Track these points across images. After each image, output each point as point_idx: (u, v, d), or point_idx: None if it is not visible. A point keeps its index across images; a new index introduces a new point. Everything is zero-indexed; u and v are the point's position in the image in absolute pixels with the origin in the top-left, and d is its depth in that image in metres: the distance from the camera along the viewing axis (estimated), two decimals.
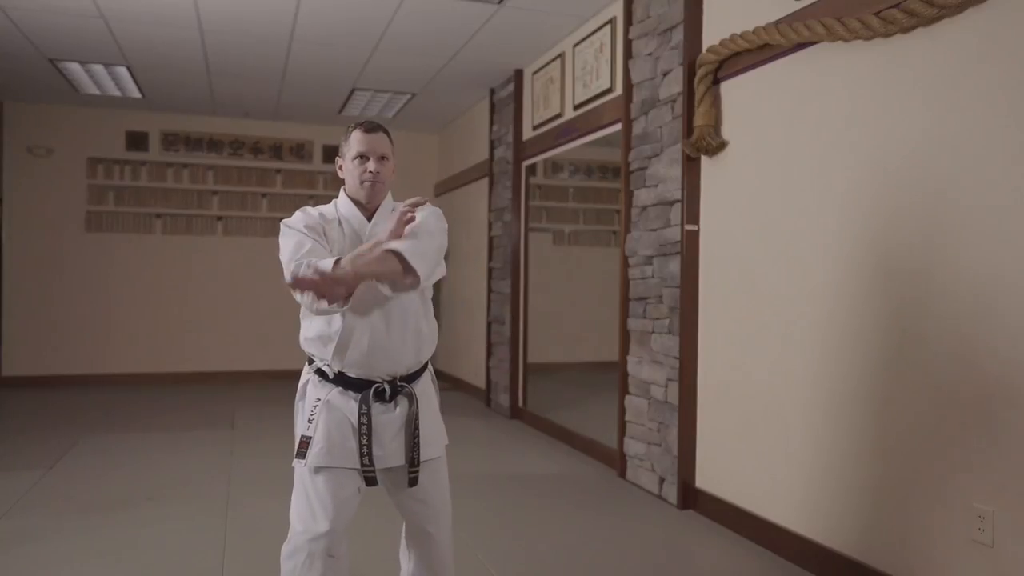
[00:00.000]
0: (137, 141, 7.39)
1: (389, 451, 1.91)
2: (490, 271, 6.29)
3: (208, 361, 7.55)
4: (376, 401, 1.90)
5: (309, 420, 1.90)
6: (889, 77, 2.53)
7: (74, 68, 5.81)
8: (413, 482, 1.93)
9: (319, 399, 1.91)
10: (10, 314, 7.03)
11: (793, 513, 2.94)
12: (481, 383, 6.50)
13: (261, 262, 7.59)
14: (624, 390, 4.08)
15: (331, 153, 7.90)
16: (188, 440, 4.94)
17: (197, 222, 7.56)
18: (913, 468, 2.42)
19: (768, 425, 3.07)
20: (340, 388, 1.91)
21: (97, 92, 6.57)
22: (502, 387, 5.97)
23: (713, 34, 3.40)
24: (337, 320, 1.86)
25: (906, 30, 2.43)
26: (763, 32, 3.00)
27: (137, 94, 6.63)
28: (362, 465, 1.87)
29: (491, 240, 6.27)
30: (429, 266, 1.81)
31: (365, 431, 1.86)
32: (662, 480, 3.71)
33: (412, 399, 1.93)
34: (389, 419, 1.91)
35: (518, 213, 5.78)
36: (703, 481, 3.49)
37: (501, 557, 2.95)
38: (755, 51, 3.11)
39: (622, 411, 4.08)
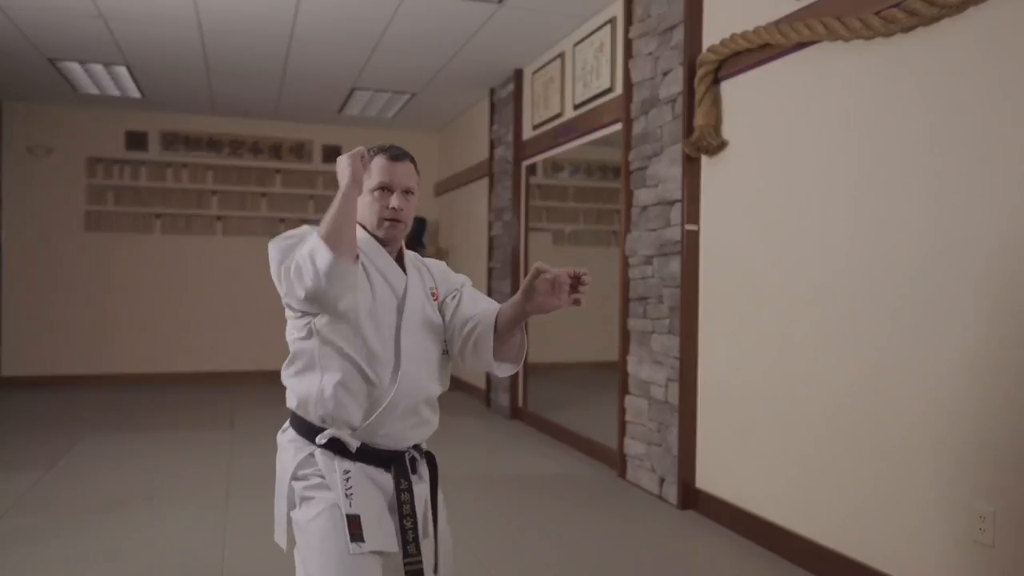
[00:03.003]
0: (137, 141, 7.38)
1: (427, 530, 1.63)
2: (490, 271, 6.29)
3: (208, 361, 7.55)
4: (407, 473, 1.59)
5: (347, 495, 1.53)
6: (889, 77, 2.52)
7: (74, 68, 5.81)
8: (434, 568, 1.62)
9: (348, 471, 1.55)
10: (10, 314, 7.02)
11: (793, 513, 2.94)
12: (481, 383, 6.50)
13: (261, 262, 7.44)
14: (624, 390, 4.07)
15: (331, 153, 7.89)
16: (188, 440, 4.94)
17: (197, 222, 7.55)
18: (913, 468, 2.42)
19: (768, 425, 3.07)
20: (361, 463, 1.57)
21: (96, 92, 6.57)
22: (502, 387, 5.96)
23: (713, 34, 3.40)
24: (380, 383, 1.56)
25: (907, 29, 2.43)
26: (763, 32, 2.99)
27: (137, 94, 6.62)
28: (407, 555, 1.52)
29: (491, 240, 6.26)
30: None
31: (409, 511, 1.54)
32: (662, 480, 3.71)
33: (433, 464, 1.67)
34: (420, 492, 1.62)
35: (518, 213, 5.77)
36: (703, 481, 3.49)
37: (501, 557, 2.95)
38: (755, 51, 3.11)
39: (622, 411, 4.08)
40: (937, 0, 2.27)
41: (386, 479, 1.58)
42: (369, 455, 1.57)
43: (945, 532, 2.30)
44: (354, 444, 1.56)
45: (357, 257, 1.47)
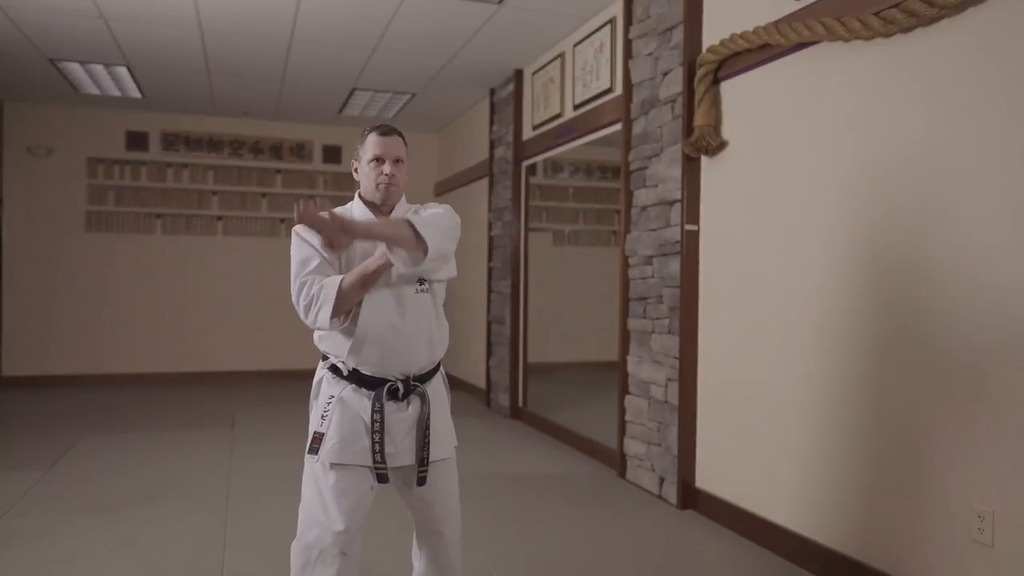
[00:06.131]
0: (137, 141, 7.39)
1: (401, 449, 1.92)
2: (490, 271, 6.29)
3: (208, 361, 7.55)
4: (389, 399, 1.91)
5: (323, 416, 1.92)
6: (889, 77, 2.53)
7: (74, 68, 5.81)
8: (422, 482, 1.94)
9: (333, 396, 1.93)
10: (10, 314, 7.02)
11: (792, 513, 2.94)
12: (481, 383, 6.50)
13: (261, 262, 7.58)
14: (624, 390, 4.08)
15: (331, 153, 7.90)
16: (188, 440, 4.94)
17: (197, 222, 7.56)
18: (913, 467, 2.42)
19: (768, 425, 3.07)
20: (354, 386, 1.92)
21: (97, 92, 6.57)
22: (502, 387, 5.97)
23: (713, 34, 3.40)
24: (354, 317, 1.89)
25: (906, 30, 2.43)
26: (763, 32, 3.00)
27: (137, 94, 6.63)
28: (374, 462, 1.88)
29: (491, 240, 6.27)
30: (438, 239, 1.81)
31: (378, 428, 1.88)
32: (662, 480, 3.71)
33: (424, 399, 1.95)
34: (401, 418, 1.93)
35: (518, 213, 5.77)
36: (703, 481, 3.49)
37: (501, 557, 2.95)
38: (755, 51, 3.11)
39: (622, 411, 4.08)
40: (936, 1, 2.27)
41: (367, 407, 1.90)
42: (359, 379, 1.92)
43: (944, 532, 2.30)
44: (345, 369, 1.92)
45: (349, 313, 1.88)
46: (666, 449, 3.67)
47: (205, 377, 7.49)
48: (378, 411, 1.88)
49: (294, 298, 1.86)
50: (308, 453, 1.90)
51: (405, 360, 1.92)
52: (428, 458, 1.94)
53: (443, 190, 7.81)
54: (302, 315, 1.86)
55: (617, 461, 4.14)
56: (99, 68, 5.80)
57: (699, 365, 3.53)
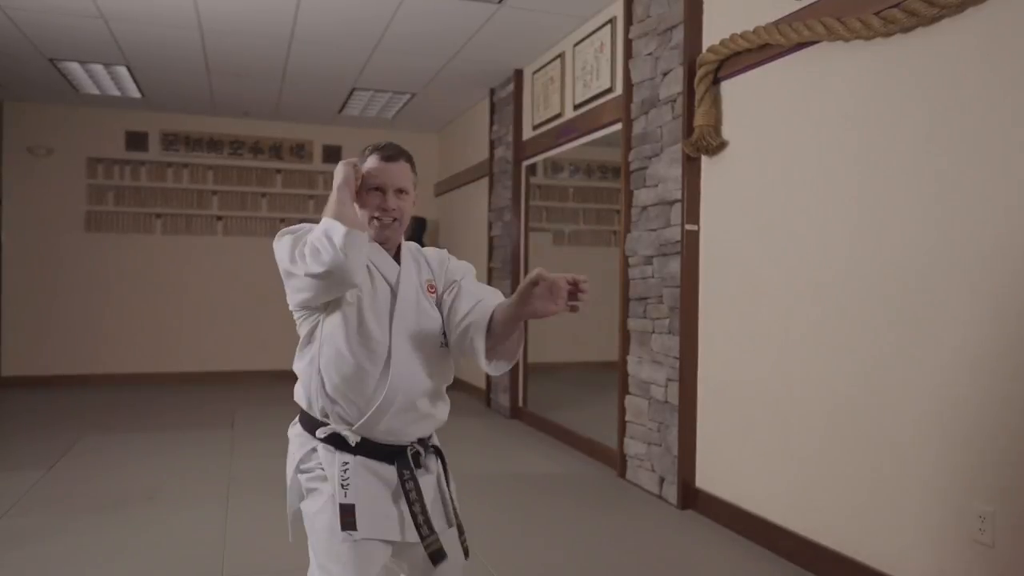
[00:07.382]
0: (137, 141, 7.39)
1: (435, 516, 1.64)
2: (490, 271, 6.29)
3: (208, 361, 7.55)
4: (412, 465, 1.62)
5: (343, 486, 1.56)
6: (889, 77, 2.53)
7: (74, 68, 5.81)
8: (465, 553, 1.67)
9: (347, 462, 1.57)
10: (10, 314, 7.02)
11: (793, 513, 2.94)
12: (481, 383, 6.50)
13: (261, 262, 7.57)
14: (624, 390, 4.08)
15: (331, 153, 7.90)
16: (188, 440, 4.94)
17: (197, 222, 7.56)
18: (913, 468, 2.42)
19: (768, 425, 3.07)
20: (363, 456, 1.59)
21: (97, 92, 6.57)
22: (502, 387, 5.97)
23: (713, 34, 3.40)
24: (375, 376, 1.57)
25: (906, 30, 2.43)
26: (763, 32, 3.00)
27: (137, 94, 6.63)
28: (422, 536, 1.56)
29: (491, 240, 6.26)
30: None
31: (416, 497, 1.57)
32: (662, 480, 3.71)
33: (438, 453, 1.70)
34: (427, 482, 1.64)
35: (518, 213, 5.77)
36: (703, 481, 3.49)
37: (501, 557, 2.95)
38: (755, 51, 3.11)
39: (622, 411, 4.08)
40: (937, 0, 2.27)
41: (389, 471, 1.59)
42: (370, 449, 1.58)
43: (945, 532, 2.30)
44: (353, 439, 1.57)
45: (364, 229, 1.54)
46: (666, 449, 3.67)
47: (205, 377, 7.49)
48: (410, 479, 1.57)
49: (287, 260, 1.55)
50: (344, 530, 1.52)
51: (426, 421, 1.64)
52: (460, 522, 1.66)
53: (443, 190, 7.81)
54: (305, 268, 1.49)
55: (617, 461, 4.14)
56: (99, 68, 5.80)
57: (699, 365, 3.53)
